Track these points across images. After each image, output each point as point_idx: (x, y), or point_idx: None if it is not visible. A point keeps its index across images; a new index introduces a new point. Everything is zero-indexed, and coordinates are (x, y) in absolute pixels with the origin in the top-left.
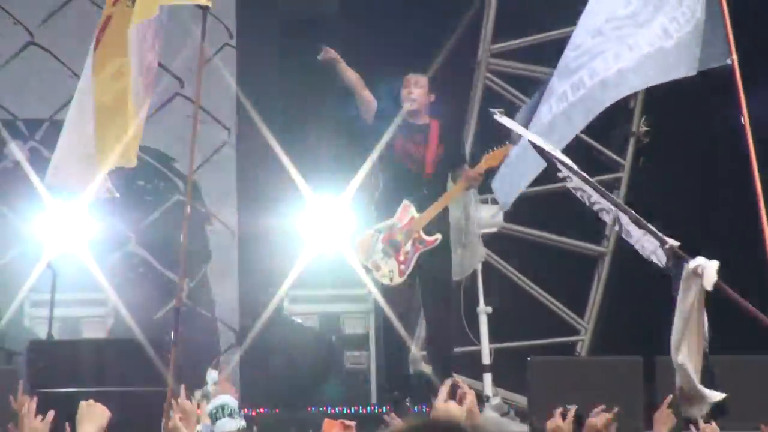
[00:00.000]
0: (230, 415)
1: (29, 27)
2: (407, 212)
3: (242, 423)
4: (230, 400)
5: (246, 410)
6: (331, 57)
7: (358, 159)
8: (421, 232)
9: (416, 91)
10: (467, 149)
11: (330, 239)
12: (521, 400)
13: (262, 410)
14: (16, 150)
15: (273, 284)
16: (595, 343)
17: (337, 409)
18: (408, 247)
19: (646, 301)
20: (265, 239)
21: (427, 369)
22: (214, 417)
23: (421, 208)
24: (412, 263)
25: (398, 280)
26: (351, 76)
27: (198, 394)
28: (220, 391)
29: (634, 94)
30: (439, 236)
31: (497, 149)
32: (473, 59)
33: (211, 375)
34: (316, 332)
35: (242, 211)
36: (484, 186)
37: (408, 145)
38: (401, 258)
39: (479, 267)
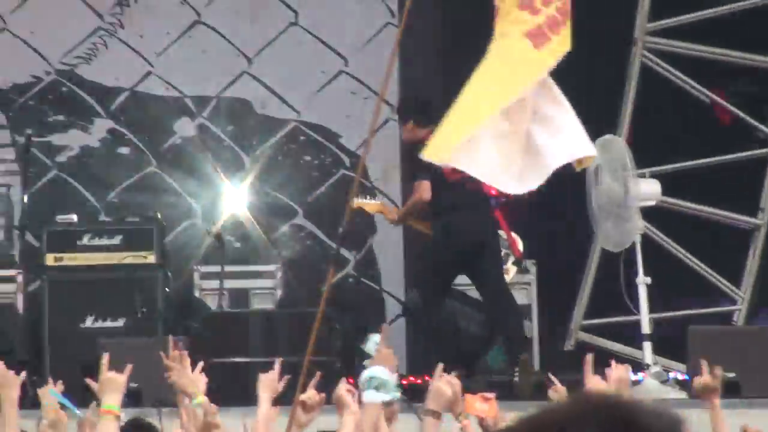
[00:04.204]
0: (377, 388)
1: (196, 6)
2: None
3: (391, 396)
4: (381, 372)
5: (413, 378)
6: (392, 220)
7: None
8: None
9: None
10: (624, 127)
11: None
12: (680, 368)
13: (427, 378)
14: (184, 126)
15: None
16: (752, 312)
17: (501, 376)
18: None
19: None
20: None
21: (584, 337)
22: (363, 386)
23: None
24: None
25: None
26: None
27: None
28: (378, 359)
29: None
30: None
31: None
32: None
33: (373, 339)
34: (480, 303)
35: (406, 184)
36: (643, 160)
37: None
38: None
39: (638, 239)
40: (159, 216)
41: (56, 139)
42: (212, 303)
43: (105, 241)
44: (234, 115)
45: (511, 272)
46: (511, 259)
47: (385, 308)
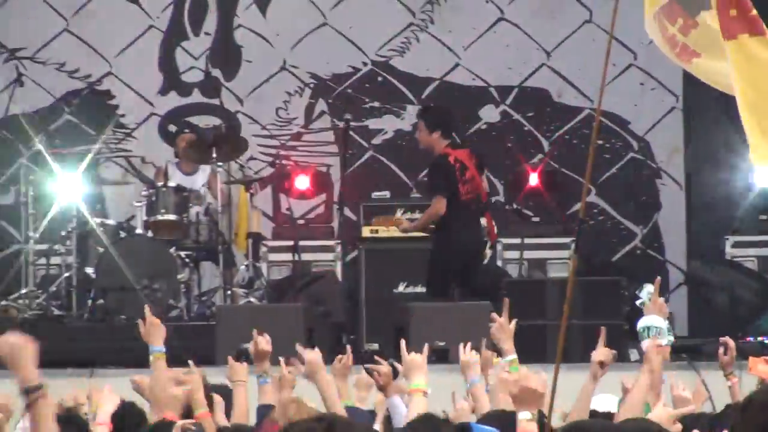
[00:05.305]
0: (654, 336)
1: (500, 4)
2: None
3: (667, 341)
4: (654, 320)
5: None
6: (403, 228)
7: None
8: None
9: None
10: None
11: None
12: None
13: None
14: (489, 112)
15: (718, 230)
16: None
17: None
18: None
19: None
20: (711, 190)
21: None
22: (640, 336)
23: None
24: None
25: None
26: None
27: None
28: (651, 308)
29: None
30: None
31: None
32: None
33: (647, 288)
34: (755, 272)
35: (689, 165)
36: None
37: None
38: None
39: None
40: None
41: (372, 123)
42: (513, 271)
43: (416, 216)
44: (534, 103)
45: (486, 255)
46: (488, 243)
47: (669, 277)
